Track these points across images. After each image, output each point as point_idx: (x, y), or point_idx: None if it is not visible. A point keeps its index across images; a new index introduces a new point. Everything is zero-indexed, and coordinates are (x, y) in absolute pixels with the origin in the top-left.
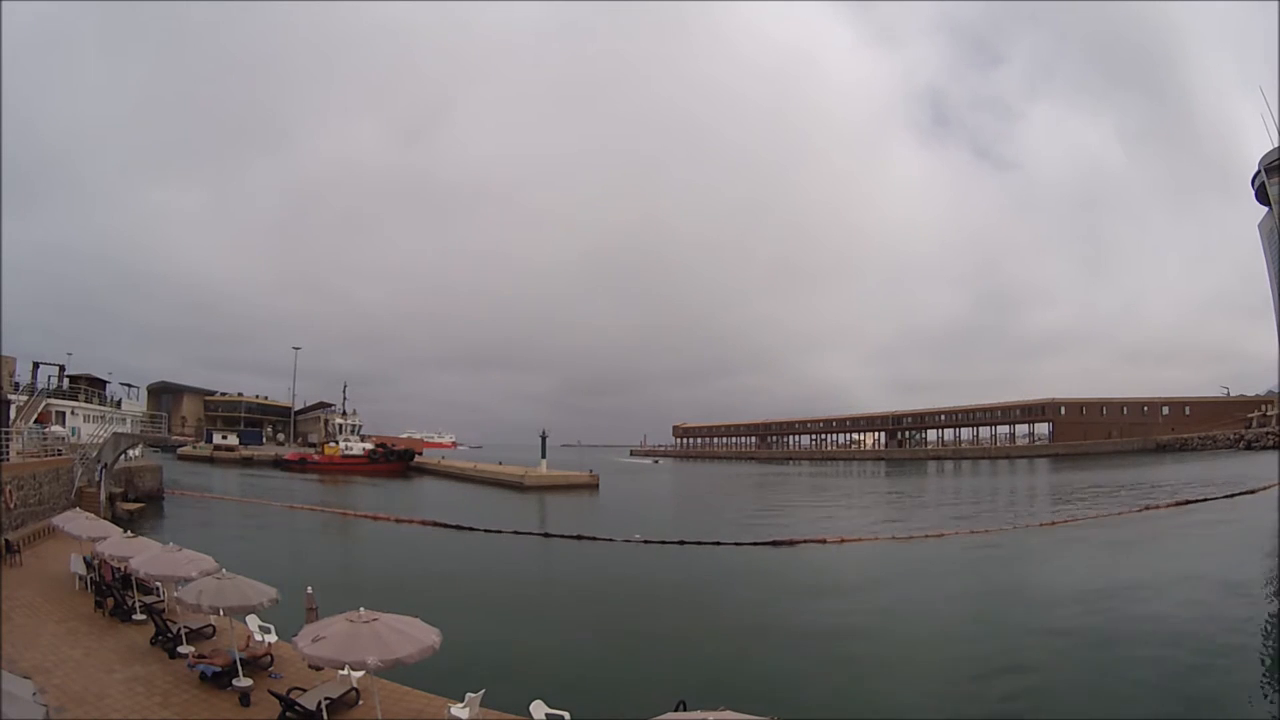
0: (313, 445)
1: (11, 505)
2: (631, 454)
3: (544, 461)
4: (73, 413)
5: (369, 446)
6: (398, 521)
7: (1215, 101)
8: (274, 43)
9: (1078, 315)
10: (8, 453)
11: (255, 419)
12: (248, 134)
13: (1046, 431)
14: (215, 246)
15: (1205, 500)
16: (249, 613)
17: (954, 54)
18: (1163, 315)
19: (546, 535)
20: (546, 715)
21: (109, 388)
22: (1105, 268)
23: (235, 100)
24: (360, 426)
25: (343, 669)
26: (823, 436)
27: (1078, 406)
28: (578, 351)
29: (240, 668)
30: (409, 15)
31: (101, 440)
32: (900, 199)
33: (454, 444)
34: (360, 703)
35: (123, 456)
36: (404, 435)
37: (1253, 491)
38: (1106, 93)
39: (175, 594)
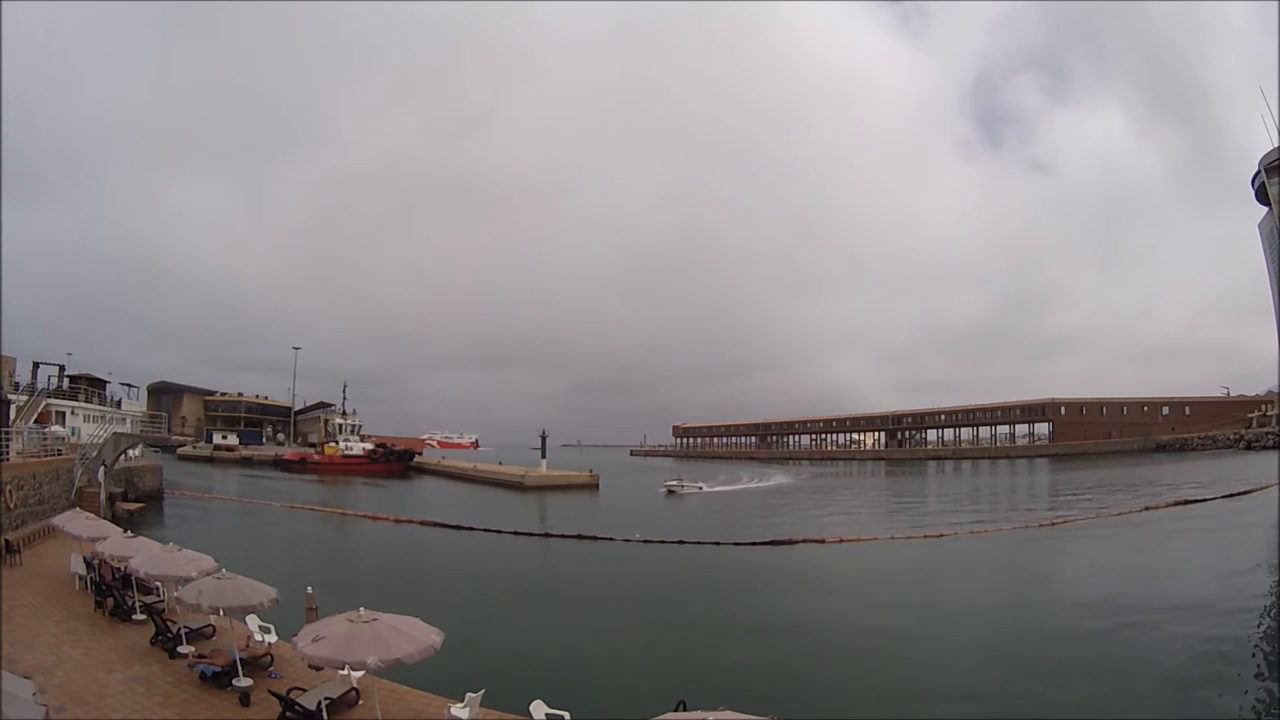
0: (313, 445)
1: (11, 505)
2: (631, 454)
3: (544, 461)
4: (73, 413)
5: (369, 446)
6: (397, 521)
7: (1240, 102)
8: (309, 39)
9: (1095, 317)
10: (8, 453)
11: (255, 419)
12: (276, 131)
13: (1046, 431)
14: (232, 245)
15: (1205, 500)
16: (249, 613)
17: (990, 60)
18: (1175, 316)
19: (547, 535)
20: (546, 715)
21: (109, 388)
22: (1124, 269)
23: (263, 97)
24: (360, 426)
25: (343, 669)
26: (823, 436)
27: (1078, 406)
28: (595, 352)
29: (240, 668)
30: (453, 13)
31: (101, 440)
32: (933, 204)
33: (475, 444)
34: (360, 703)
35: (123, 456)
36: (424, 436)
37: (1252, 491)
38: (1131, 95)
39: (175, 594)
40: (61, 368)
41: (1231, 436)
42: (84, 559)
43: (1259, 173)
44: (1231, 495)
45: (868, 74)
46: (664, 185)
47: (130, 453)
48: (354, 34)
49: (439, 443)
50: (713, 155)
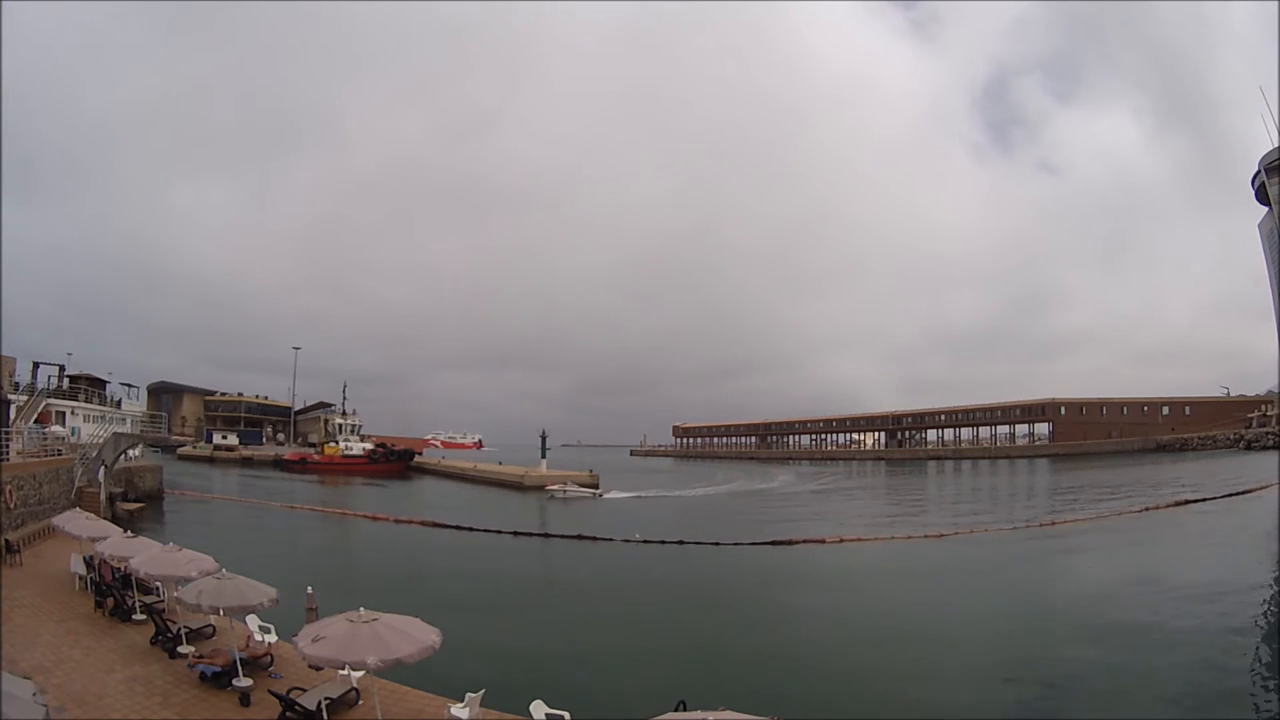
0: (313, 445)
1: (11, 505)
2: (631, 454)
3: (544, 461)
4: (73, 413)
5: (369, 447)
6: (397, 521)
7: (1242, 103)
8: (315, 38)
9: (1097, 317)
10: (8, 453)
11: (255, 419)
12: (280, 131)
13: (1046, 431)
14: (234, 245)
15: (1205, 500)
16: (249, 613)
17: (1002, 63)
18: (1177, 316)
19: (546, 535)
20: (546, 715)
21: (109, 388)
22: (1126, 270)
23: (268, 97)
24: (360, 426)
25: (343, 669)
26: (823, 436)
27: (1078, 406)
28: (596, 351)
29: (240, 668)
30: (462, 14)
31: (101, 440)
32: (938, 205)
33: (478, 444)
34: (360, 703)
35: (123, 456)
36: (427, 437)
37: (1252, 491)
38: (1137, 97)
39: (175, 594)
40: (61, 368)
41: (1231, 436)
42: (84, 559)
43: (1259, 173)
44: (1231, 495)
45: (878, 77)
46: (668, 186)
47: (130, 453)
48: (361, 33)
49: (442, 443)
50: (719, 157)
